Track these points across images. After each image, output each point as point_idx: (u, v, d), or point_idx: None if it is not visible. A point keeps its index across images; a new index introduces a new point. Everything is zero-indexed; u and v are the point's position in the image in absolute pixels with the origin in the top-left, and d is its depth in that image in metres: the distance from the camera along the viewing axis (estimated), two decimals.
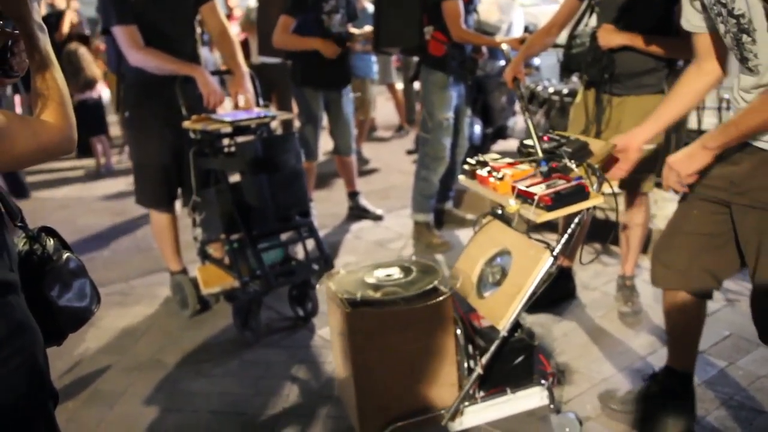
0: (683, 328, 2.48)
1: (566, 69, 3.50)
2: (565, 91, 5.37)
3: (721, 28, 2.00)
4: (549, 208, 2.19)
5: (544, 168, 2.35)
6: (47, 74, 1.42)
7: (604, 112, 3.23)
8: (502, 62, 5.47)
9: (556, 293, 3.53)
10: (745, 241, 2.13)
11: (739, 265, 2.26)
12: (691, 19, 2.18)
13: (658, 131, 2.45)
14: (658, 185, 4.44)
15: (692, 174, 2.14)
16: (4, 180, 4.71)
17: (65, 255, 1.51)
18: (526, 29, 6.19)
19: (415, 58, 4.98)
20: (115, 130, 8.46)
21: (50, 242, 1.52)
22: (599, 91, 3.23)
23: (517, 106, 6.61)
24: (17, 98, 7.56)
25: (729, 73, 2.34)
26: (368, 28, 4.95)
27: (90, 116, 7.04)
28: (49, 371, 1.46)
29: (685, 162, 2.13)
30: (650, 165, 3.24)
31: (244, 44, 6.41)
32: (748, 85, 2.02)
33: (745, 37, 1.92)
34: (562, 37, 3.53)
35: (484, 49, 4.47)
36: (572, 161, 2.36)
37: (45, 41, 1.45)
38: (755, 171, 2.04)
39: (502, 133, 6.41)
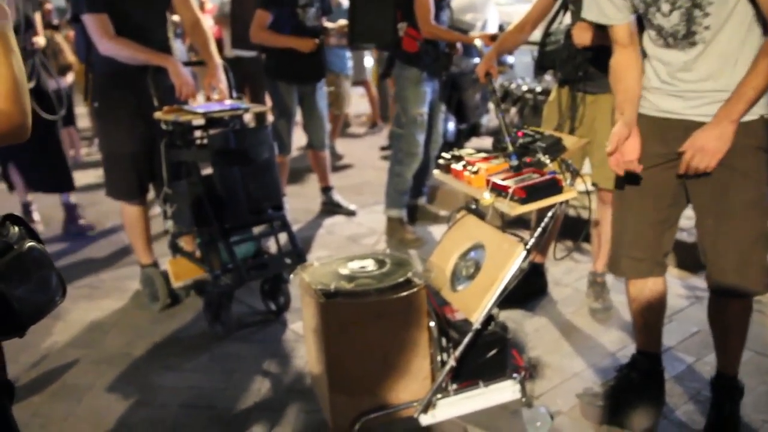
0: (655, 310, 2.56)
1: (540, 67, 3.51)
2: (539, 89, 5.42)
3: (665, 7, 2.10)
4: (523, 201, 2.20)
5: (514, 162, 2.37)
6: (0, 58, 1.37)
7: (578, 109, 3.25)
8: (476, 60, 5.49)
9: (529, 289, 3.56)
10: (704, 207, 2.29)
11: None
12: (610, 12, 2.26)
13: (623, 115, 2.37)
14: None
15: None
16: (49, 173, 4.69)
17: (28, 244, 1.44)
18: (501, 28, 6.21)
19: (385, 55, 4.98)
20: (83, 121, 8.34)
21: (14, 230, 1.46)
22: (573, 89, 3.24)
23: (491, 103, 6.65)
24: None
25: None
26: (342, 23, 4.94)
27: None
28: (3, 364, 1.41)
29: (719, 142, 2.09)
30: None
31: (218, 38, 6.36)
32: (687, 61, 2.15)
33: (697, 11, 2.06)
34: (536, 35, 3.55)
35: (459, 45, 4.48)
36: (546, 156, 2.38)
37: (2, 25, 1.39)
38: None
39: (476, 130, 6.44)
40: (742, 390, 2.54)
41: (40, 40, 4.46)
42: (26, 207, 4.93)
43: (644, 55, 2.32)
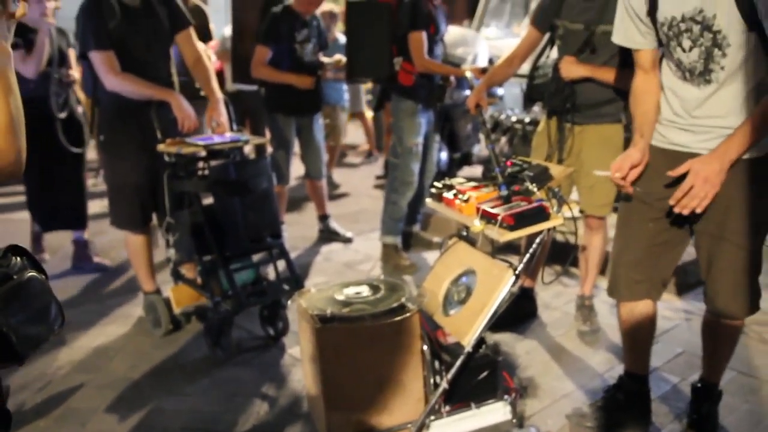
0: (644, 332, 2.58)
1: (529, 99, 3.56)
2: (527, 119, 5.48)
3: (686, 43, 2.14)
4: (512, 228, 2.24)
5: (504, 192, 2.40)
6: None
7: (566, 140, 3.29)
8: (467, 92, 5.56)
9: (519, 312, 3.57)
10: (705, 237, 2.32)
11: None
12: (636, 38, 2.31)
13: (641, 141, 2.40)
14: (615, 210, 4.53)
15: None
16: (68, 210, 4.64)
17: (28, 274, 1.43)
18: (490, 61, 6.29)
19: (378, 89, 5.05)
20: (89, 153, 8.35)
21: (16, 261, 1.44)
22: (561, 120, 3.28)
23: (481, 133, 6.71)
24: None
25: None
26: (338, 57, 5.00)
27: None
28: (1, 391, 1.41)
29: (720, 176, 2.10)
30: (610, 191, 3.32)
31: (220, 72, 6.42)
32: (700, 97, 2.18)
33: (716, 51, 2.09)
34: (524, 68, 3.60)
35: (452, 78, 4.54)
36: (534, 185, 2.41)
37: (2, 64, 1.38)
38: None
39: (467, 159, 6.49)
40: (720, 394, 2.61)
41: (74, 74, 4.47)
42: (37, 236, 4.86)
43: (661, 86, 2.36)
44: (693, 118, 2.24)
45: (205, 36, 4.48)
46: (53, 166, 4.40)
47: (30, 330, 1.41)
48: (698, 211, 2.13)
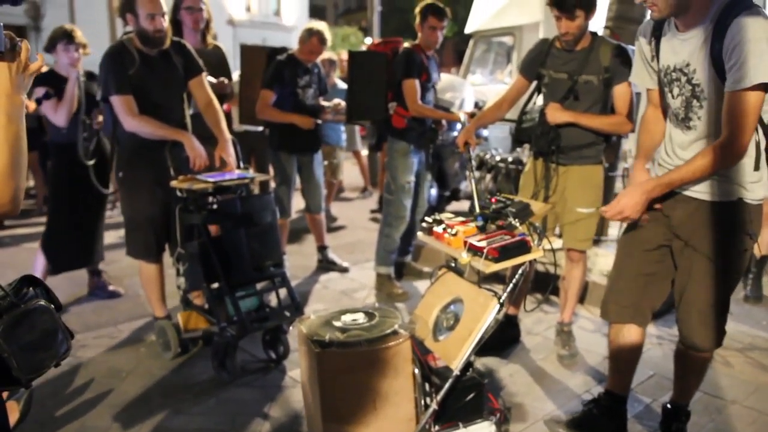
0: (627, 354, 2.59)
1: (518, 141, 3.61)
2: (510, 159, 5.52)
3: (675, 90, 2.23)
4: (496, 260, 2.26)
5: (480, 222, 2.45)
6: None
7: (552, 179, 3.32)
8: (455, 133, 5.61)
9: (505, 338, 3.57)
10: (679, 271, 2.37)
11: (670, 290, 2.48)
12: (645, 78, 2.42)
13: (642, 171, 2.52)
14: (596, 242, 4.58)
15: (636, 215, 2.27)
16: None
17: (37, 303, 1.44)
18: (476, 105, 6.39)
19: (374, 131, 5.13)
20: None
21: (27, 291, 1.45)
22: (547, 160, 3.32)
23: (467, 170, 6.76)
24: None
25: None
26: (337, 101, 5.06)
27: None
28: (4, 413, 1.39)
29: (636, 208, 2.24)
30: (591, 227, 3.35)
31: (228, 113, 6.47)
32: (684, 141, 2.25)
33: (695, 102, 2.17)
34: (510, 113, 3.65)
35: (444, 121, 4.61)
36: (516, 220, 2.44)
37: (12, 103, 1.41)
38: (691, 216, 2.26)
39: (455, 195, 6.53)
40: (689, 414, 2.63)
41: (101, 118, 4.36)
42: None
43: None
44: (678, 160, 2.29)
45: (225, 75, 4.51)
46: (81, 210, 4.34)
47: (32, 356, 1.40)
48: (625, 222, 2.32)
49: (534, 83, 3.42)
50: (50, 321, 1.45)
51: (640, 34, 2.39)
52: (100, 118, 4.35)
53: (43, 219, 4.70)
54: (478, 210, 2.54)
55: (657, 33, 2.30)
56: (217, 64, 4.37)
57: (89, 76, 4.38)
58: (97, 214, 4.51)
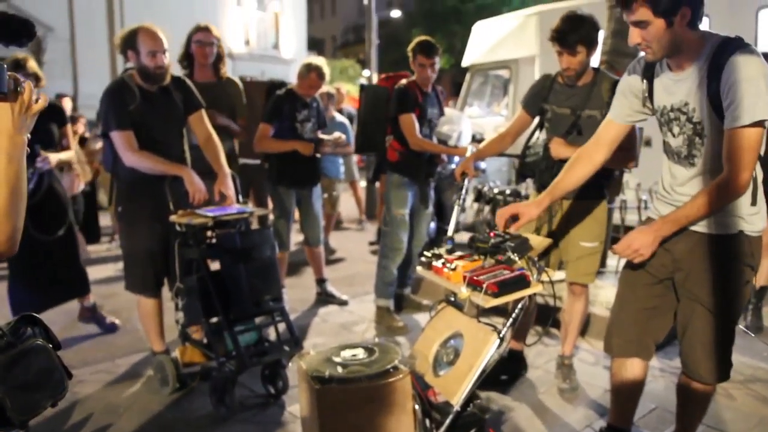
0: (630, 388, 2.58)
1: (521, 175, 3.60)
2: (508, 191, 5.55)
3: (675, 129, 2.26)
4: (496, 295, 2.25)
5: (450, 246, 2.49)
6: None
7: (555, 213, 3.33)
8: (453, 166, 5.64)
9: (511, 373, 3.55)
10: (681, 305, 2.37)
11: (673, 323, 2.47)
12: (621, 113, 2.46)
13: (552, 201, 2.65)
14: (599, 273, 4.57)
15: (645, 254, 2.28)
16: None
17: (34, 343, 1.43)
18: (473, 137, 6.43)
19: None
20: (105, 220, 8.37)
21: (26, 330, 1.44)
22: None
23: (467, 203, 6.78)
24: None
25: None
26: (337, 134, 5.10)
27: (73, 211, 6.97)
28: None
29: (649, 248, 2.25)
30: (594, 262, 3.34)
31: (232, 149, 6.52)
32: (686, 177, 2.28)
33: (697, 139, 2.21)
34: (511, 148, 3.65)
35: (444, 155, 4.65)
36: (515, 254, 2.44)
37: (14, 144, 1.42)
38: (692, 250, 2.28)
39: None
40: None
41: (53, 157, 4.07)
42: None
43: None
44: (679, 195, 2.32)
45: (236, 109, 4.55)
46: (37, 253, 4.03)
47: (27, 396, 1.39)
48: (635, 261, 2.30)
49: (537, 119, 3.44)
50: (47, 360, 1.45)
51: (631, 73, 2.42)
52: (53, 157, 4.06)
53: None
54: (451, 233, 2.55)
55: (648, 74, 2.33)
56: (229, 98, 4.40)
57: (50, 109, 4.03)
58: (63, 250, 4.23)
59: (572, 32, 3.05)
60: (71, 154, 4.15)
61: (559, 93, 3.29)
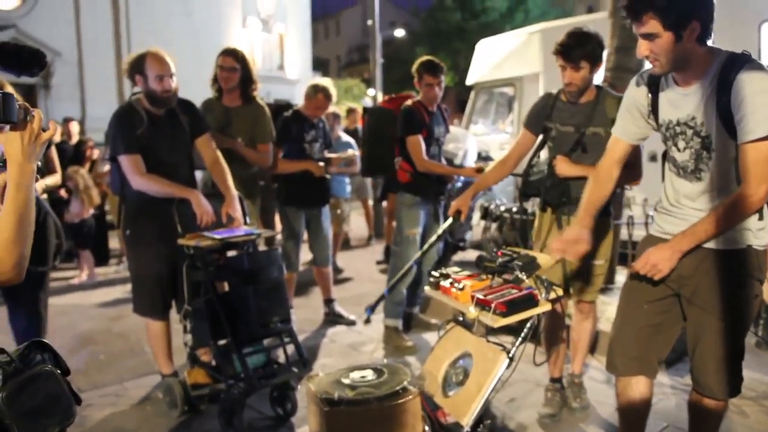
0: (637, 408, 2.54)
1: (525, 194, 3.56)
2: (515, 209, 5.55)
3: (681, 143, 2.26)
4: (504, 315, 2.25)
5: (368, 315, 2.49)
6: (7, 208, 1.40)
7: (562, 230, 3.27)
8: (459, 184, 5.65)
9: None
10: (691, 321, 2.34)
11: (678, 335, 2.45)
12: (627, 131, 2.45)
13: (592, 218, 2.56)
14: (603, 290, 4.54)
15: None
16: None
17: (40, 369, 1.43)
18: (479, 155, 6.46)
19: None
20: (113, 242, 8.41)
21: (35, 356, 1.45)
22: (558, 212, 3.30)
23: (474, 220, 6.79)
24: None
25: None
26: (352, 152, 5.15)
27: (83, 234, 7.07)
28: None
29: (668, 263, 2.23)
30: (600, 278, 3.33)
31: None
32: (693, 191, 2.28)
33: (705, 153, 2.21)
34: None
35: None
36: (523, 273, 2.44)
37: (23, 172, 1.43)
38: (699, 266, 2.26)
39: (460, 245, 6.54)
40: None
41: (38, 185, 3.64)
42: None
43: (663, 178, 2.46)
44: (684, 209, 2.31)
45: (259, 134, 4.42)
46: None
47: (34, 423, 1.38)
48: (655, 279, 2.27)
49: (539, 138, 3.44)
50: (55, 386, 1.45)
51: (636, 85, 2.42)
52: (39, 184, 3.63)
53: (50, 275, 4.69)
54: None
55: (653, 88, 2.34)
56: (247, 123, 4.37)
57: None
58: (30, 294, 3.52)
59: (577, 47, 3.06)
60: (57, 177, 3.92)
61: (562, 111, 3.30)
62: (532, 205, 4.57)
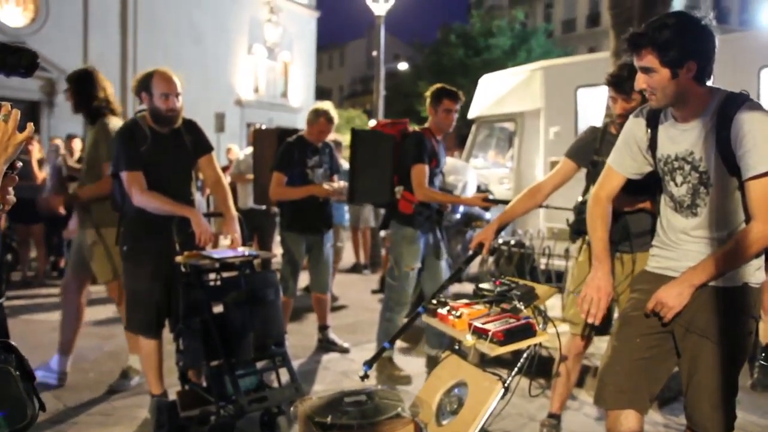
0: None
1: (576, 231, 3.37)
2: (512, 242, 5.56)
3: (678, 178, 2.28)
4: (501, 343, 2.24)
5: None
6: None
7: (614, 268, 3.04)
8: (458, 215, 5.66)
9: None
10: (686, 353, 2.31)
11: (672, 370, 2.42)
12: (623, 164, 2.46)
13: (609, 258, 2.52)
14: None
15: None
16: None
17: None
18: (478, 188, 6.48)
19: (382, 210, 5.11)
20: None
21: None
22: (615, 249, 3.10)
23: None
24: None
25: None
26: (344, 184, 5.12)
27: None
28: None
29: (679, 299, 2.22)
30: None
31: (233, 191, 6.59)
32: (688, 226, 2.29)
33: (702, 189, 2.23)
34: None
35: (448, 204, 4.63)
36: (521, 303, 2.43)
37: None
38: (694, 302, 2.23)
39: (458, 275, 6.50)
40: None
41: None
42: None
43: (659, 212, 2.46)
44: (680, 244, 2.32)
45: None
46: None
47: None
48: (666, 319, 2.23)
49: (585, 169, 3.32)
50: (8, 387, 1.43)
51: (635, 119, 2.43)
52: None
53: (44, 290, 4.65)
54: None
55: (653, 123, 2.36)
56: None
57: None
58: None
59: (630, 79, 2.95)
60: None
61: (611, 144, 3.05)
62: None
